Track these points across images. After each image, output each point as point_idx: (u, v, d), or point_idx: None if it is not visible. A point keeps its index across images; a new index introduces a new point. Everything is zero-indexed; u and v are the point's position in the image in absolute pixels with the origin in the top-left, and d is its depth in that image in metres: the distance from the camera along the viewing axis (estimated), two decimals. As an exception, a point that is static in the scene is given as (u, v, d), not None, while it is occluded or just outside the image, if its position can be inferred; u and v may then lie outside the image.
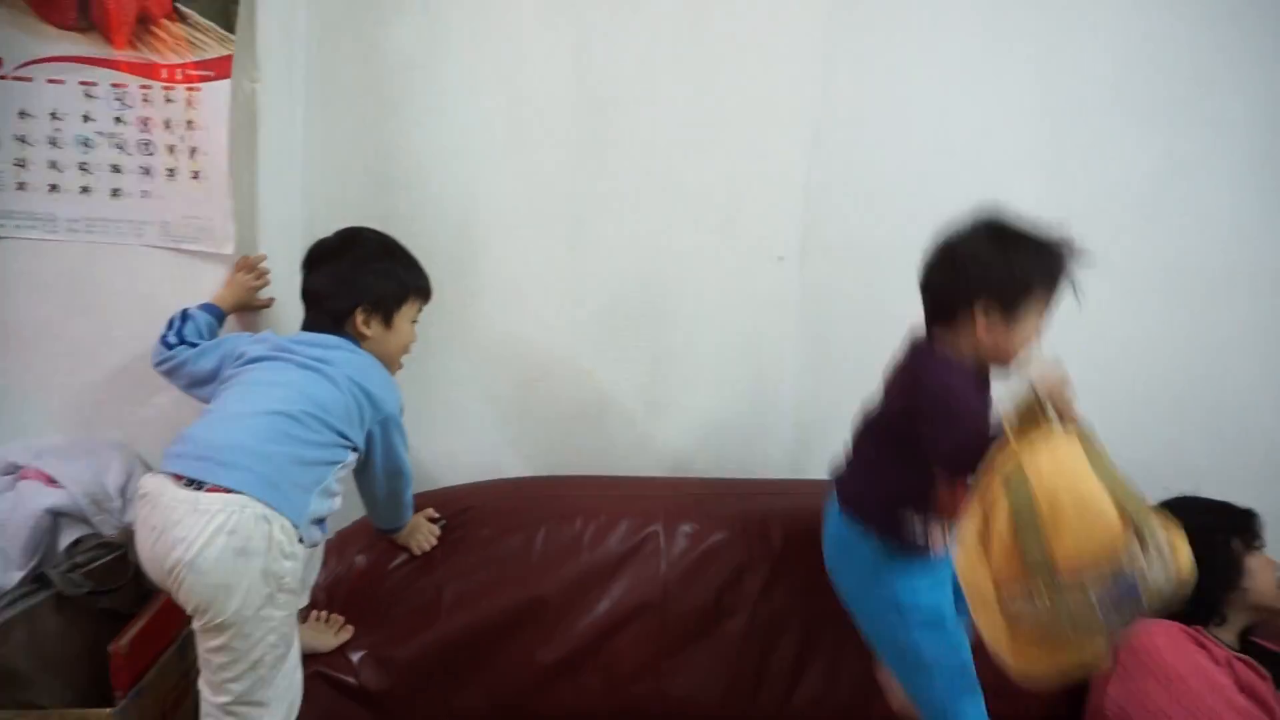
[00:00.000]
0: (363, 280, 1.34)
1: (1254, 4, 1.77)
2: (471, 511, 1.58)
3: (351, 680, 1.46)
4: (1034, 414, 1.09)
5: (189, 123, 1.38)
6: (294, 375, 1.25)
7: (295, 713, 1.23)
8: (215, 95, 1.37)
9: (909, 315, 1.81)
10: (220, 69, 1.37)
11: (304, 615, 1.44)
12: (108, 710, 1.17)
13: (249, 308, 1.53)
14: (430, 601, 1.50)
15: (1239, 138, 1.81)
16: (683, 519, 1.59)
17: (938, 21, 1.71)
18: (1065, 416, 1.11)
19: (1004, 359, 1.27)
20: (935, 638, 1.32)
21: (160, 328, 1.41)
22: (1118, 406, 1.88)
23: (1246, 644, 1.56)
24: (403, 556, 1.53)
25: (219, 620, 1.09)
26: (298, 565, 1.16)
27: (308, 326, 1.35)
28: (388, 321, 1.36)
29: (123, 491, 1.49)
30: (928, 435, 1.21)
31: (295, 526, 1.15)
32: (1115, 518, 0.98)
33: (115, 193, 1.42)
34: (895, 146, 1.73)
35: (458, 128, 1.66)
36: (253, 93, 1.44)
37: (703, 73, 1.67)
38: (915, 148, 1.74)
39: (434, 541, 1.52)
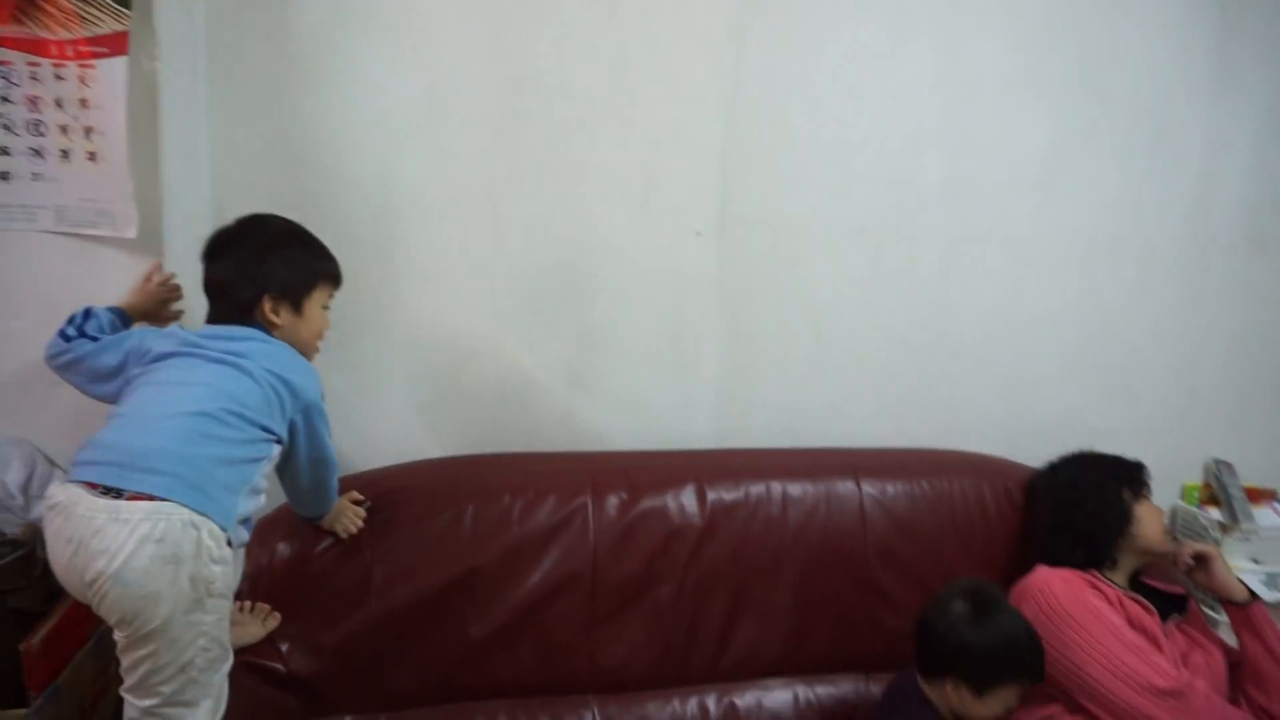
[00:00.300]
0: (268, 267, 1.29)
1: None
2: (398, 493, 1.56)
3: (280, 668, 1.43)
4: None
5: (82, 101, 1.32)
6: (207, 372, 1.20)
7: (224, 705, 1.20)
8: (111, 73, 1.31)
9: (825, 287, 1.88)
10: (115, 45, 1.31)
11: None
12: (21, 711, 1.13)
13: (158, 319, 1.45)
14: (359, 584, 1.48)
15: (1125, 112, 1.92)
16: (610, 490, 1.61)
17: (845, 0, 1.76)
18: None
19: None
20: None
21: (60, 319, 1.35)
22: (1018, 370, 2.01)
23: (1137, 585, 1.67)
24: (328, 541, 1.50)
25: (146, 630, 1.06)
26: (227, 569, 1.13)
27: (213, 319, 1.30)
28: (297, 309, 1.32)
29: (24, 489, 1.43)
30: None
31: (224, 530, 1.12)
32: None
33: (4, 176, 1.35)
34: (806, 122, 1.78)
35: (372, 108, 1.63)
36: (153, 71, 1.39)
37: (616, 51, 1.68)
38: (825, 123, 1.79)
39: (359, 524, 1.49)
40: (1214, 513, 2.06)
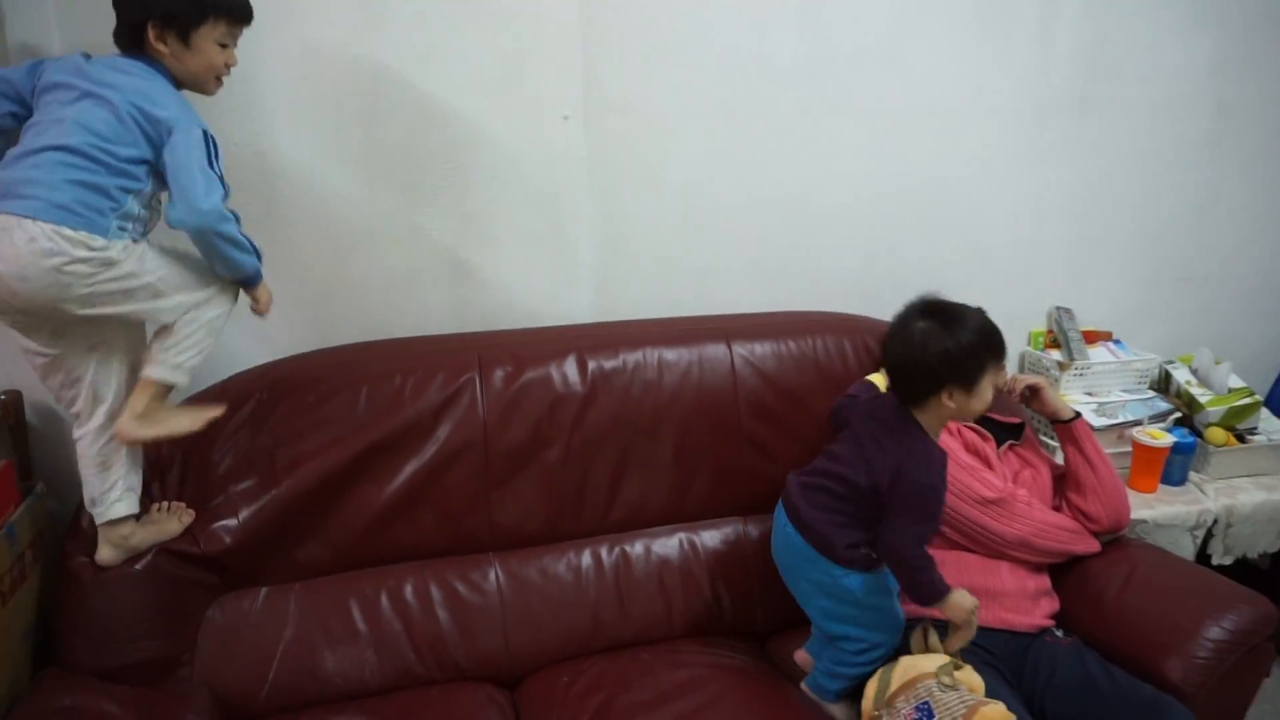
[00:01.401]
0: None
1: None
2: (292, 379, 1.64)
3: (195, 549, 1.53)
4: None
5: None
6: (73, 109, 1.26)
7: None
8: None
9: (691, 164, 1.97)
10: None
11: (144, 507, 1.49)
12: (-61, 592, 1.21)
13: None
14: (263, 466, 1.58)
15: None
16: (496, 365, 1.72)
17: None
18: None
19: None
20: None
21: None
22: (876, 233, 2.15)
23: (981, 418, 1.85)
24: (231, 429, 1.58)
25: (59, 311, 1.24)
26: (108, 252, 1.25)
27: (117, 44, 1.35)
28: (184, 39, 1.32)
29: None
30: (893, 522, 1.43)
31: (90, 232, 1.23)
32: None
33: None
34: (661, 6, 1.84)
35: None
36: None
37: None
38: (680, 6, 1.85)
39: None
40: (1055, 354, 2.28)
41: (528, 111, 1.82)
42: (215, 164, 1.33)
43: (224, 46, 1.38)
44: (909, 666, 1.43)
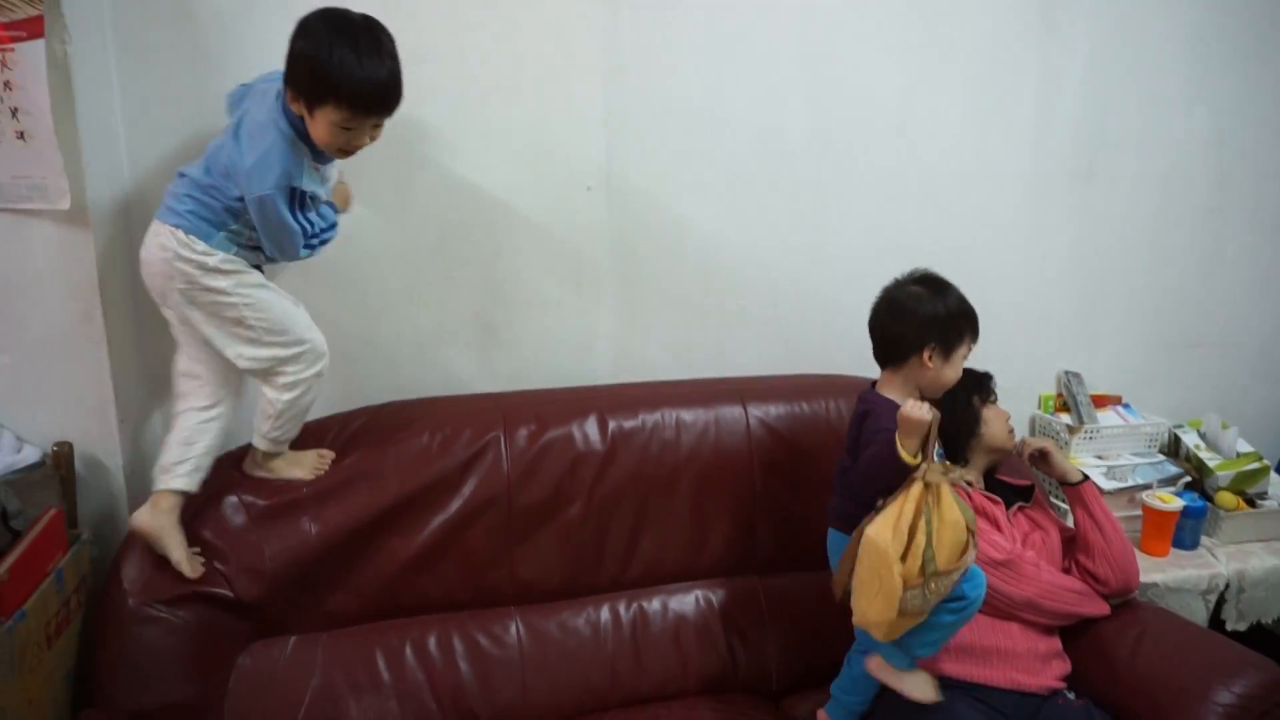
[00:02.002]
0: (291, 51, 1.40)
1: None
2: (324, 435, 1.73)
3: (228, 594, 1.59)
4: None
5: (5, 84, 1.42)
6: (214, 142, 1.50)
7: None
8: (30, 55, 1.41)
9: (708, 232, 2.06)
10: (32, 29, 1.41)
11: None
12: (-8, 633, 1.27)
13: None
14: (295, 517, 1.64)
15: (965, 61, 2.13)
16: (520, 424, 1.79)
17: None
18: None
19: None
20: None
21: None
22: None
23: (991, 479, 1.91)
24: (265, 482, 1.65)
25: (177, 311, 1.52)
26: (209, 258, 1.46)
27: None
28: (310, 111, 1.40)
29: (-24, 447, 1.55)
30: (859, 459, 1.54)
31: (197, 237, 1.46)
32: (965, 533, 1.40)
33: (-64, 158, 1.46)
34: (679, 82, 1.95)
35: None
36: (64, 55, 1.50)
37: (503, 23, 1.83)
38: (697, 83, 1.97)
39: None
40: (1065, 418, 2.33)
41: (554, 183, 1.93)
42: (296, 213, 1.49)
43: (347, 129, 1.42)
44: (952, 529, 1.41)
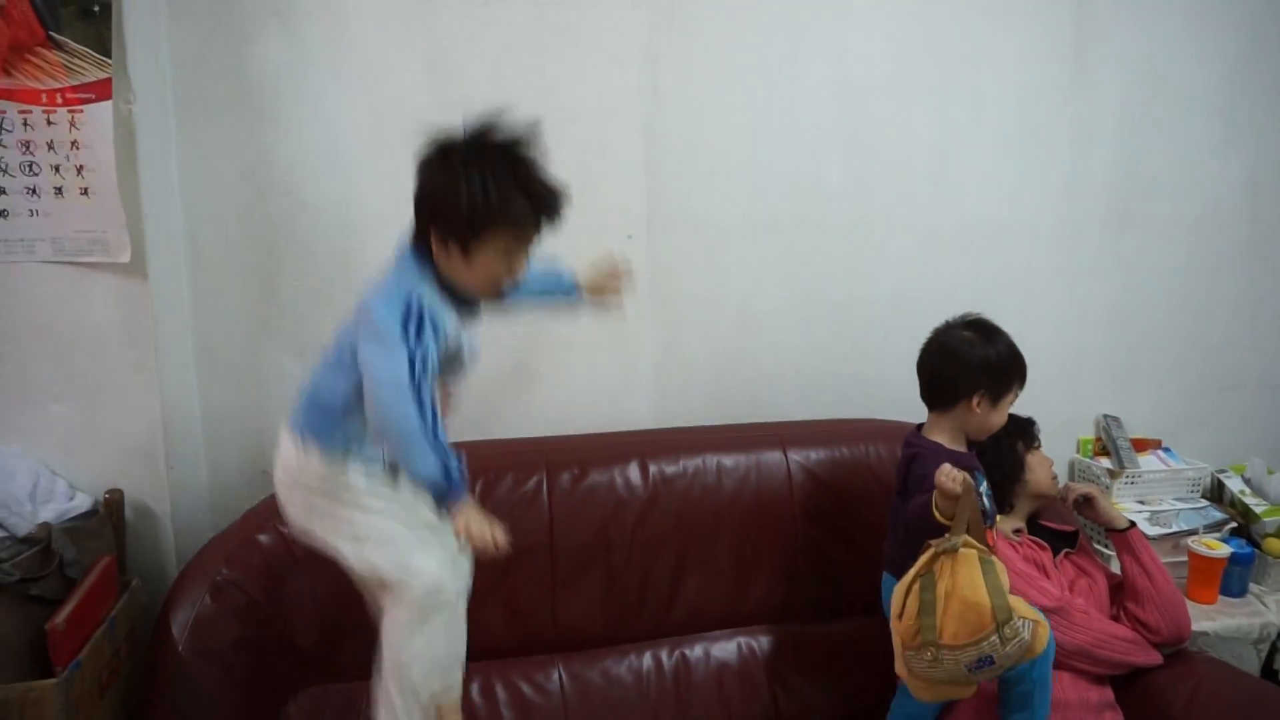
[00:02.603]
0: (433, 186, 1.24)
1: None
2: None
3: (273, 638, 1.59)
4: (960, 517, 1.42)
5: (73, 143, 1.48)
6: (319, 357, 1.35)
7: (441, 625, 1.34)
8: (98, 116, 1.47)
9: (746, 279, 2.08)
10: (101, 91, 1.47)
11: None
12: (51, 681, 1.28)
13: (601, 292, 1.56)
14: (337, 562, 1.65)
15: (1000, 110, 2.16)
16: (562, 468, 1.80)
17: (745, 22, 1.97)
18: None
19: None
20: None
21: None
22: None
23: (1035, 525, 1.90)
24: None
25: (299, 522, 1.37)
26: (334, 473, 1.31)
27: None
28: (468, 247, 1.22)
29: (31, 496, 1.57)
30: (903, 507, 1.56)
31: (315, 443, 1.30)
32: (989, 619, 1.37)
33: (3, 214, 1.51)
34: (718, 132, 1.99)
35: (326, 137, 1.81)
36: (129, 113, 1.55)
37: (543, 76, 1.88)
38: (735, 131, 2.01)
39: (489, 539, 1.29)
40: (1105, 462, 2.31)
41: (596, 231, 1.93)
42: (419, 377, 1.20)
43: (511, 254, 1.28)
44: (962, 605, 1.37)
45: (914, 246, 2.17)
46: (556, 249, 1.93)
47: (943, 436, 1.59)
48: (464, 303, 1.31)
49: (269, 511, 1.67)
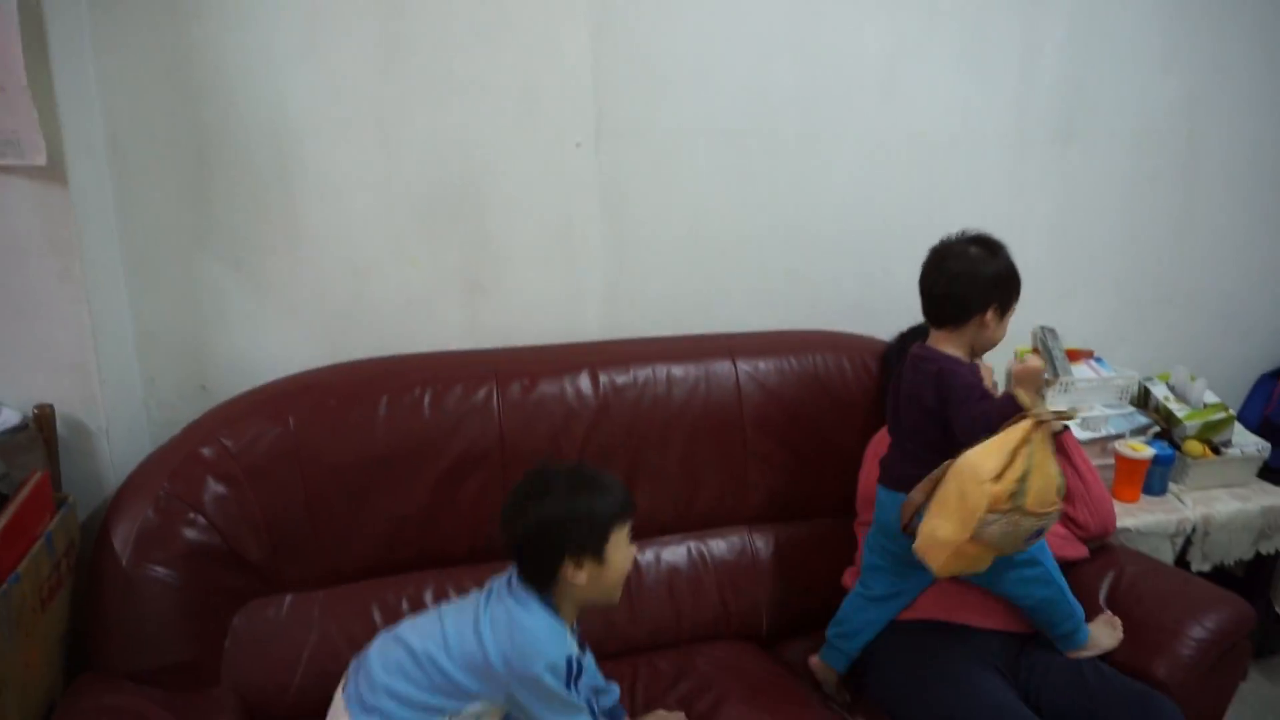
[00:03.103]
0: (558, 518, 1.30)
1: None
2: (315, 389, 1.70)
3: (224, 548, 1.56)
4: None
5: (-24, 34, 1.37)
6: (456, 612, 1.35)
7: None
8: (3, 1, 1.36)
9: (696, 188, 2.07)
10: (3, -24, 1.36)
11: None
12: (-11, 594, 1.25)
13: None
14: (288, 474, 1.62)
15: (951, 23, 2.14)
16: (512, 379, 1.78)
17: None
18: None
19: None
20: None
21: None
22: (871, 255, 2.25)
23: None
24: (258, 436, 1.62)
25: None
26: None
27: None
28: (600, 558, 1.31)
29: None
30: (958, 414, 1.53)
31: None
32: (1055, 494, 1.46)
33: (-97, 111, 1.40)
34: (668, 38, 1.94)
35: (257, 36, 1.71)
36: (38, 1, 1.44)
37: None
38: (686, 39, 1.95)
39: None
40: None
41: (542, 140, 1.91)
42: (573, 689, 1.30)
43: (631, 543, 1.39)
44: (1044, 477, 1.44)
45: (863, 158, 2.17)
46: (504, 157, 1.90)
47: (953, 351, 1.60)
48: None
49: (212, 425, 1.64)
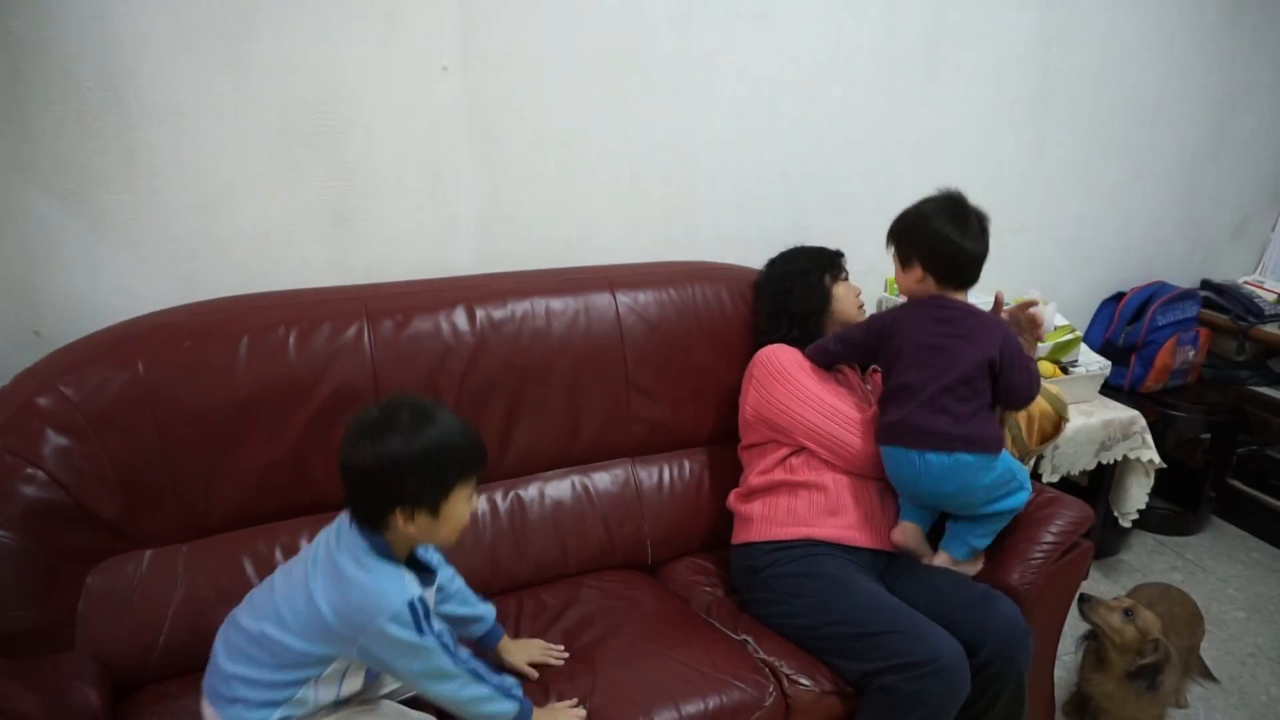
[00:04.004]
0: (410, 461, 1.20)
1: None
2: (166, 329, 1.57)
3: (71, 505, 1.45)
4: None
5: None
6: (282, 577, 1.31)
7: None
8: None
9: (570, 116, 2.01)
10: None
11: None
12: None
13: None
14: (140, 421, 1.51)
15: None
16: (384, 315, 1.70)
17: None
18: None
19: None
20: None
21: None
22: (746, 184, 2.26)
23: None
24: (102, 382, 1.49)
25: None
26: None
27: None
28: (439, 502, 1.23)
29: None
30: (1018, 378, 1.67)
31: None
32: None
33: None
34: (538, -47, 1.85)
35: None
36: None
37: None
38: (556, -46, 1.87)
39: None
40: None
41: (405, 61, 1.80)
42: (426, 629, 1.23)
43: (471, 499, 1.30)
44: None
45: (737, 85, 2.16)
46: (366, 80, 1.78)
47: None
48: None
49: (49, 372, 1.50)
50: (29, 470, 1.42)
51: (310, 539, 1.62)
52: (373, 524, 1.24)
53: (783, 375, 1.81)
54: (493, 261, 1.98)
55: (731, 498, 1.90)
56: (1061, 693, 2.11)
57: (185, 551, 1.57)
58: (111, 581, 1.51)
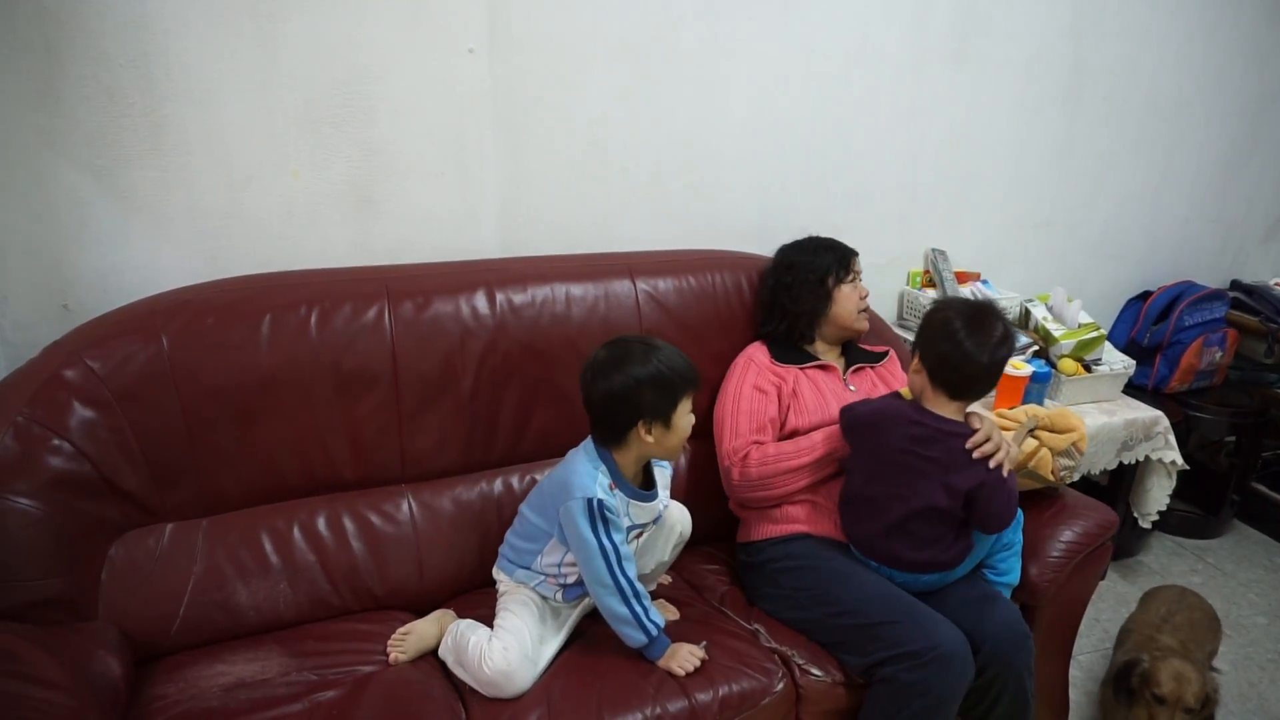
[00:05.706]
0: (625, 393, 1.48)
1: None
2: (190, 306, 1.58)
3: (96, 477, 1.47)
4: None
5: None
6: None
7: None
8: None
9: (594, 103, 2.00)
10: None
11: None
12: None
13: None
14: (164, 397, 1.53)
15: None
16: (405, 297, 1.71)
17: None
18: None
19: None
20: None
21: None
22: (769, 175, 2.25)
23: (850, 347, 1.98)
24: (129, 355, 1.51)
25: None
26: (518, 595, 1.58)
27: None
28: (667, 421, 1.51)
29: None
30: (995, 508, 1.58)
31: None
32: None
33: None
34: (566, -62, 1.85)
35: None
36: None
37: None
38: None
39: (695, 663, 1.51)
40: (931, 293, 2.46)
41: (433, 44, 1.81)
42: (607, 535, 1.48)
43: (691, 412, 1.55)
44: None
45: (762, 75, 2.15)
46: (393, 63, 1.79)
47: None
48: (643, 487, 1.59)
49: (76, 345, 1.52)
50: (55, 441, 1.44)
51: (328, 517, 1.67)
52: (616, 442, 1.52)
53: (732, 371, 1.88)
54: (514, 247, 1.99)
55: (731, 500, 1.90)
56: (1076, 693, 2.09)
57: (205, 526, 1.59)
58: (133, 553, 1.53)
